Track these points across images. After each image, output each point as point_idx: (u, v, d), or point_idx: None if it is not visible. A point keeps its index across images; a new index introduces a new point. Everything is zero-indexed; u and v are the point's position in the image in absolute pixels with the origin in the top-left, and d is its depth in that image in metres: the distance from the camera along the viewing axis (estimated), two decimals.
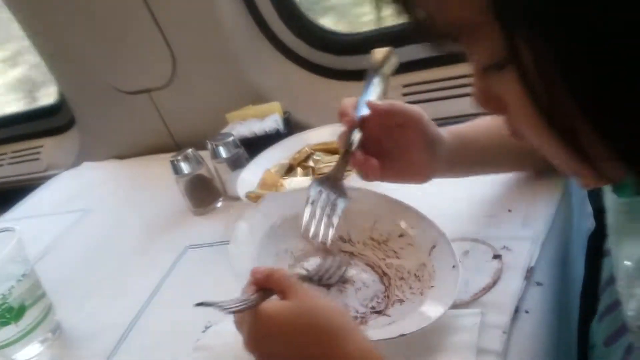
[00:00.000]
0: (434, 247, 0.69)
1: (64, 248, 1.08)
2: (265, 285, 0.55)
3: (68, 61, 1.36)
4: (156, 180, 1.23)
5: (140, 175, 1.30)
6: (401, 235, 0.72)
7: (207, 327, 0.74)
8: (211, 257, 0.90)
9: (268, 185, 0.93)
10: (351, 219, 0.73)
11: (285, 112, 1.13)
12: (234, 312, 0.53)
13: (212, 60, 1.22)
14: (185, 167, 1.01)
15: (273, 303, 0.53)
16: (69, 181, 1.42)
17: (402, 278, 0.70)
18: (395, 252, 0.72)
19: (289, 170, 0.99)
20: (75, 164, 1.51)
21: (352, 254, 0.74)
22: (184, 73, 1.26)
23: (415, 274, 0.69)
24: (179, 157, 1.01)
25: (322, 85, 1.21)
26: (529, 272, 0.66)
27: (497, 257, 0.69)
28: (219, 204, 1.05)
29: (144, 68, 1.29)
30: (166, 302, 0.83)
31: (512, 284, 0.64)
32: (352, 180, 0.80)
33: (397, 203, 0.74)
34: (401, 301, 0.67)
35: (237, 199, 1.03)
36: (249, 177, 0.99)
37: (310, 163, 0.97)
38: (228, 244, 0.88)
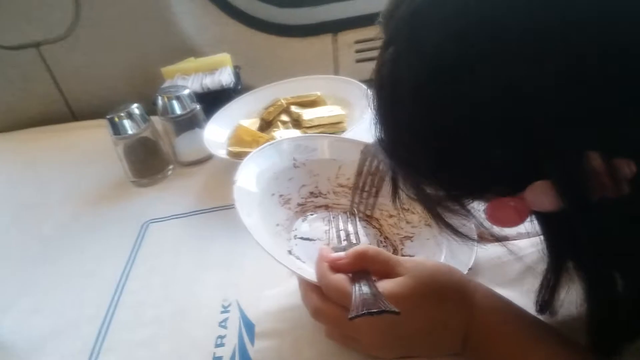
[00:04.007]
0: None
1: None
2: (357, 267, 0.46)
3: None
4: (63, 155, 0.99)
5: (33, 150, 1.03)
6: (372, 173, 0.65)
7: (225, 307, 0.59)
8: (184, 229, 0.73)
9: (246, 141, 0.79)
10: (315, 171, 0.65)
11: (235, 67, 0.98)
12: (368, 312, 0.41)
13: (129, 5, 1.01)
14: (129, 126, 0.81)
15: (393, 284, 0.44)
16: None
17: (391, 215, 0.64)
18: (369, 191, 0.65)
19: (262, 126, 0.85)
20: None
21: (327, 207, 0.65)
22: (89, 21, 1.02)
23: (403, 208, 0.63)
24: (121, 114, 0.80)
25: (264, 41, 1.08)
26: None
27: None
28: (169, 172, 0.87)
29: (33, 14, 1.02)
30: (145, 286, 0.64)
31: None
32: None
33: (356, 142, 0.66)
34: (409, 238, 0.61)
35: (191, 164, 0.87)
36: (213, 136, 0.83)
37: (285, 118, 0.85)
38: (198, 213, 0.75)
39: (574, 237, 0.33)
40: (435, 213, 0.40)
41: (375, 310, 0.40)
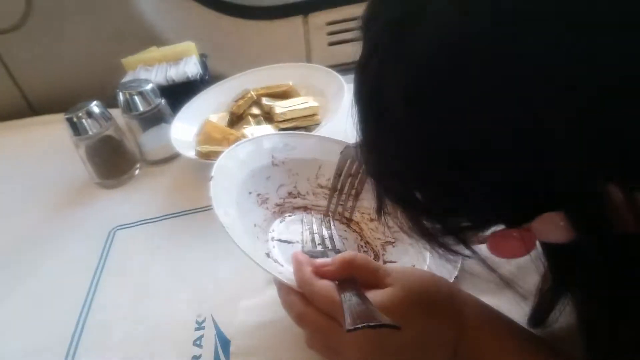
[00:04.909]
0: None
1: None
2: (344, 275, 0.43)
3: None
4: (21, 154, 0.93)
5: None
6: (351, 175, 0.62)
7: (200, 323, 0.56)
8: (154, 235, 0.70)
9: (216, 139, 0.75)
10: (294, 171, 0.62)
11: (201, 55, 0.92)
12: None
13: None
14: (90, 126, 0.76)
15: (382, 295, 0.41)
16: None
17: (372, 219, 0.61)
18: (350, 194, 0.62)
19: (233, 121, 0.81)
20: None
21: (305, 208, 0.62)
22: (43, 9, 0.96)
23: (385, 212, 0.60)
24: (80, 113, 0.75)
25: (230, 26, 1.03)
26: None
27: None
28: (137, 172, 0.82)
29: None
30: (114, 303, 0.61)
31: None
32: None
33: (338, 142, 0.63)
34: (390, 243, 0.58)
35: (159, 162, 0.83)
36: (180, 135, 0.79)
37: (256, 110, 0.81)
38: (169, 217, 0.71)
39: (584, 269, 0.30)
40: (431, 240, 0.36)
41: (375, 324, 0.37)
